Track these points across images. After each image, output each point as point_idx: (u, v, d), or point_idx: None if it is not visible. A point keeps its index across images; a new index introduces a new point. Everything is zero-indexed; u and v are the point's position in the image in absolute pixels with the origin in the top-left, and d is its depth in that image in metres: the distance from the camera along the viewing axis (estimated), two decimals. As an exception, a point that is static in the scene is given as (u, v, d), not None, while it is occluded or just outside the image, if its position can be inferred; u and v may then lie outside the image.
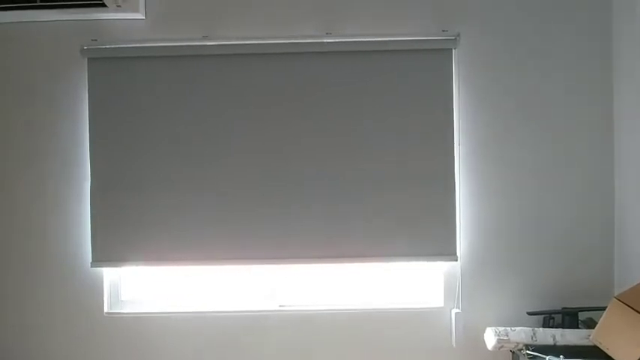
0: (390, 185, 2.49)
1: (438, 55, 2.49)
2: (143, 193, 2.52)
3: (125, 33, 2.54)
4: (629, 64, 2.38)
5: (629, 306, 1.93)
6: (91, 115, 2.53)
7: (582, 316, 2.40)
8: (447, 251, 2.49)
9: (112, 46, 2.51)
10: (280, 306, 2.60)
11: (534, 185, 2.52)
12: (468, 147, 2.52)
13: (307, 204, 2.51)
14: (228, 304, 2.61)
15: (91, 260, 2.54)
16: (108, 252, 2.53)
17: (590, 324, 2.34)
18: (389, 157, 2.50)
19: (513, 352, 2.33)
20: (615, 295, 2.07)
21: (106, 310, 2.59)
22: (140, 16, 2.52)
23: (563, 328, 2.34)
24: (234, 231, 2.51)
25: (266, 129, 2.52)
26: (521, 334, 2.26)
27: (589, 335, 2.13)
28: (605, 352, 1.99)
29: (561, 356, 2.06)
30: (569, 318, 2.37)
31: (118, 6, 2.43)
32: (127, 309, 2.62)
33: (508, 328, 2.29)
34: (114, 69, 2.52)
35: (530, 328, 2.29)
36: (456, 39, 2.47)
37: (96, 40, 2.52)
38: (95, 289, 2.58)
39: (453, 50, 2.49)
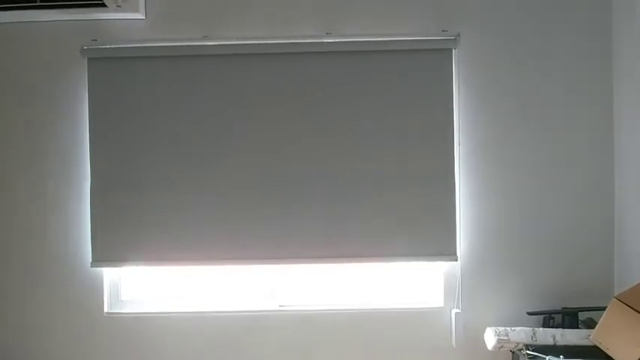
0: (389, 185, 2.49)
1: (437, 55, 2.49)
2: (143, 193, 2.52)
3: (125, 33, 2.54)
4: (629, 64, 2.38)
5: (629, 306, 1.93)
6: (91, 115, 2.53)
7: (582, 316, 2.40)
8: (446, 251, 2.49)
9: (112, 46, 2.51)
10: (280, 306, 2.60)
11: (534, 185, 2.52)
12: (468, 147, 2.52)
13: (307, 204, 2.51)
14: (228, 304, 2.61)
15: (91, 260, 2.54)
16: (108, 252, 2.53)
17: (590, 324, 2.34)
18: (389, 157, 2.50)
19: (513, 352, 2.33)
20: (615, 295, 2.07)
21: (106, 310, 2.59)
22: (140, 16, 2.52)
23: (563, 328, 2.34)
24: (234, 231, 2.51)
25: (266, 129, 2.52)
26: (521, 334, 2.26)
27: (589, 335, 2.13)
28: (605, 352, 1.99)
29: (561, 356, 2.06)
30: (569, 318, 2.37)
31: (118, 6, 2.43)
32: (127, 309, 2.62)
33: (508, 328, 2.29)
34: (114, 69, 2.52)
35: (530, 328, 2.29)
36: (456, 39, 2.47)
37: (96, 40, 2.52)
38: (95, 289, 2.58)
39: (453, 50, 2.49)
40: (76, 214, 2.56)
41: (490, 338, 2.28)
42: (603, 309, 2.05)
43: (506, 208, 2.53)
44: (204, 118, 2.52)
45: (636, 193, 2.34)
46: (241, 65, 2.51)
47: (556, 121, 2.52)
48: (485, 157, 2.53)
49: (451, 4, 2.52)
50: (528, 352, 2.18)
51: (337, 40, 2.48)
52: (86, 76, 2.53)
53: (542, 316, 2.43)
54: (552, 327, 2.37)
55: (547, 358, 2.08)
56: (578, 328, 2.35)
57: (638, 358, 1.83)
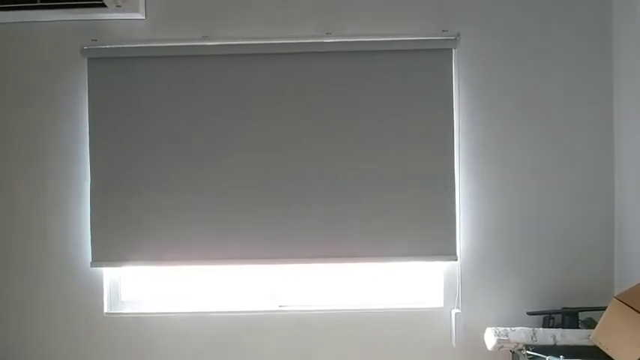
0: (389, 185, 2.49)
1: (437, 55, 2.49)
2: (143, 193, 2.52)
3: (125, 33, 2.54)
4: (629, 64, 2.38)
5: (629, 306, 1.93)
6: (91, 115, 2.53)
7: (582, 316, 2.40)
8: (446, 251, 2.49)
9: (112, 46, 2.51)
10: (280, 306, 2.60)
11: (534, 185, 2.52)
12: (467, 147, 2.52)
13: (307, 204, 2.51)
14: (228, 304, 2.61)
15: (90, 260, 2.54)
16: (108, 252, 2.53)
17: (590, 324, 2.34)
18: (389, 157, 2.50)
19: (513, 352, 2.33)
20: (615, 295, 2.07)
21: (105, 310, 2.59)
22: (140, 16, 2.52)
23: (563, 328, 2.34)
24: (234, 231, 2.51)
25: (266, 129, 2.52)
26: (521, 334, 2.26)
27: (589, 335, 2.13)
28: (605, 352, 1.98)
29: (561, 356, 2.06)
30: (569, 318, 2.37)
31: (118, 6, 2.43)
32: (126, 309, 2.62)
33: (508, 329, 2.29)
34: (114, 69, 2.52)
35: (530, 328, 2.28)
36: (455, 39, 2.47)
37: (96, 40, 2.52)
38: (95, 289, 2.58)
39: (453, 50, 2.49)
40: (76, 214, 2.56)
41: (490, 338, 2.28)
42: (603, 309, 2.05)
43: (506, 208, 2.53)
44: (204, 118, 2.52)
45: (636, 193, 2.34)
46: (241, 65, 2.51)
47: (556, 121, 2.52)
48: (485, 157, 2.53)
49: (451, 4, 2.52)
50: (528, 352, 2.18)
51: (337, 40, 2.48)
52: (86, 76, 2.53)
53: (542, 316, 2.42)
54: (552, 327, 2.37)
55: (547, 358, 2.08)
56: (578, 328, 2.35)
57: (638, 358, 1.83)
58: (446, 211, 2.50)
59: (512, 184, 2.52)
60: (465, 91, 2.52)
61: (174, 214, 2.51)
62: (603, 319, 2.03)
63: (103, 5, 2.42)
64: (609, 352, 1.97)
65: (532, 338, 2.23)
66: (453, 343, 2.50)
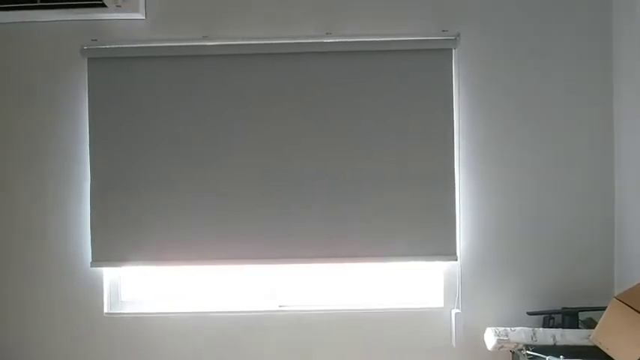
0: (389, 185, 2.49)
1: (437, 55, 2.49)
2: (143, 193, 2.52)
3: (125, 33, 2.54)
4: (629, 64, 2.38)
5: (629, 306, 1.93)
6: (91, 115, 2.53)
7: (582, 316, 2.40)
8: (446, 251, 2.49)
9: (112, 46, 2.51)
10: (280, 306, 2.60)
11: (534, 185, 2.52)
12: (467, 147, 2.52)
13: (307, 204, 2.51)
14: (228, 304, 2.61)
15: (90, 260, 2.54)
16: (108, 252, 2.53)
17: (590, 324, 2.34)
18: (389, 157, 2.50)
19: (513, 353, 2.33)
20: (615, 295, 2.07)
21: (105, 310, 2.59)
22: (140, 16, 2.52)
23: (563, 328, 2.33)
24: (234, 231, 2.51)
25: (266, 129, 2.52)
26: (521, 334, 2.26)
27: (589, 335, 2.13)
28: (605, 352, 1.98)
29: (561, 356, 2.06)
30: (569, 318, 2.37)
31: (117, 6, 2.43)
32: (126, 309, 2.62)
33: (508, 329, 2.29)
34: (114, 69, 2.52)
35: (530, 328, 2.28)
36: (455, 39, 2.47)
37: (96, 40, 2.52)
38: (95, 289, 2.58)
39: (453, 50, 2.49)
40: (76, 214, 2.56)
41: (490, 338, 2.28)
42: (603, 309, 2.05)
43: (506, 208, 2.53)
44: (204, 118, 2.52)
45: (636, 193, 2.34)
46: (241, 65, 2.51)
47: (556, 121, 2.52)
48: (485, 157, 2.53)
49: (451, 4, 2.52)
50: (528, 352, 2.18)
51: (337, 40, 2.48)
52: (86, 76, 2.53)
53: (542, 316, 2.42)
54: (552, 327, 2.37)
55: (547, 358, 2.08)
56: (578, 328, 2.35)
57: (638, 358, 1.83)
58: (446, 211, 2.49)
59: (512, 184, 2.52)
60: (464, 91, 2.52)
61: (174, 214, 2.51)
62: (603, 319, 2.03)
63: (103, 5, 2.42)
64: (609, 352, 1.97)
65: (532, 338, 2.23)
66: (453, 343, 2.50)
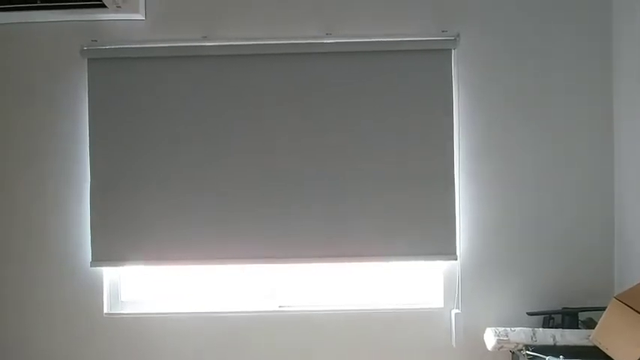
0: (389, 185, 2.49)
1: (437, 56, 2.49)
2: (143, 193, 2.52)
3: (125, 33, 2.54)
4: (629, 64, 2.38)
5: (629, 306, 1.93)
6: (91, 115, 2.54)
7: (582, 316, 2.40)
8: (446, 251, 2.49)
9: (112, 47, 2.51)
10: (280, 306, 2.60)
11: (534, 185, 2.52)
12: (467, 147, 2.52)
13: (307, 204, 2.51)
14: (228, 304, 2.61)
15: (90, 260, 2.54)
16: (107, 252, 2.53)
17: (590, 324, 2.34)
18: (389, 157, 2.50)
19: (513, 353, 2.33)
20: (615, 295, 2.07)
21: (105, 310, 2.59)
22: (140, 16, 2.52)
23: (563, 328, 2.33)
24: (234, 231, 2.51)
25: (266, 129, 2.52)
26: (520, 334, 2.25)
27: (589, 335, 2.13)
28: (604, 352, 1.98)
29: (561, 356, 2.06)
30: (569, 318, 2.37)
31: (117, 7, 2.43)
32: (126, 309, 2.62)
33: (508, 329, 2.29)
34: (114, 69, 2.52)
35: (530, 329, 2.28)
36: (455, 39, 2.47)
37: (96, 40, 2.52)
38: (95, 289, 2.58)
39: (453, 50, 2.49)
40: (76, 214, 2.57)
41: (490, 338, 2.28)
42: (603, 309, 2.05)
43: (506, 208, 2.53)
44: (204, 118, 2.52)
45: (636, 193, 2.34)
46: (241, 66, 2.51)
47: (556, 121, 2.52)
48: (485, 157, 2.53)
49: (451, 4, 2.52)
50: (528, 352, 2.17)
51: (337, 41, 2.49)
52: (86, 77, 2.53)
53: (542, 316, 2.42)
54: (552, 327, 2.37)
55: (547, 358, 2.08)
56: (578, 328, 2.35)
57: (638, 358, 1.83)
58: (446, 211, 2.50)
59: (512, 184, 2.52)
60: (464, 92, 2.52)
61: (174, 214, 2.51)
62: (603, 320, 2.03)
63: (103, 6, 2.42)
64: (609, 352, 1.97)
65: (532, 338, 2.23)
66: (453, 344, 2.50)
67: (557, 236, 2.52)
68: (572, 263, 2.52)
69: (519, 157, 2.52)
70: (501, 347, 2.26)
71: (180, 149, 2.52)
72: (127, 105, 2.53)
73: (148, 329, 2.57)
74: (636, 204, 2.34)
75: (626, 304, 1.94)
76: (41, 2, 2.43)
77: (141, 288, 2.66)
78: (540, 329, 2.29)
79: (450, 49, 2.49)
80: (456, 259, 2.50)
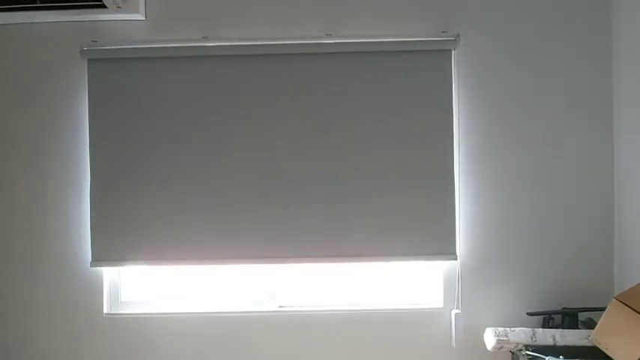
0: (389, 185, 2.50)
1: (437, 56, 2.49)
2: (143, 193, 2.52)
3: (125, 34, 2.54)
4: (629, 64, 2.38)
5: (628, 306, 1.93)
6: (91, 116, 2.54)
7: (582, 316, 2.40)
8: (446, 251, 2.49)
9: (112, 47, 2.51)
10: (280, 306, 2.60)
11: (534, 185, 2.52)
12: (467, 147, 2.52)
13: (307, 204, 2.51)
14: (228, 304, 2.61)
15: (90, 260, 2.54)
16: (107, 252, 2.53)
17: (590, 324, 2.34)
18: (389, 157, 2.50)
19: (513, 353, 2.33)
20: (615, 295, 2.07)
21: (105, 310, 2.59)
22: (140, 17, 2.52)
23: (562, 328, 2.33)
24: (234, 231, 2.51)
25: (266, 129, 2.52)
26: (520, 334, 2.25)
27: (589, 335, 2.13)
28: (604, 353, 1.99)
29: (561, 357, 2.06)
30: (569, 318, 2.37)
31: (117, 7, 2.43)
32: (126, 309, 2.62)
33: (508, 329, 2.29)
34: (114, 70, 2.52)
35: (530, 329, 2.28)
36: (455, 40, 2.47)
37: (96, 41, 2.53)
38: (95, 290, 2.58)
39: (453, 51, 2.50)
40: (76, 214, 2.57)
41: (490, 339, 2.28)
42: (603, 309, 2.05)
43: (505, 207, 2.53)
44: (204, 118, 2.52)
45: (636, 193, 2.34)
46: (241, 66, 2.51)
47: (556, 121, 2.52)
48: (485, 157, 2.53)
49: (451, 4, 2.52)
50: (528, 352, 2.17)
51: (337, 41, 2.49)
52: (86, 77, 2.53)
53: (542, 316, 2.42)
54: (552, 327, 2.37)
55: (547, 358, 2.08)
56: (577, 328, 2.35)
57: (638, 358, 1.83)
58: (446, 211, 2.50)
59: (512, 184, 2.52)
60: (464, 92, 2.52)
61: (174, 214, 2.52)
62: (603, 320, 2.03)
63: (103, 6, 2.42)
64: (609, 353, 1.97)
65: (532, 338, 2.23)
66: (453, 344, 2.50)
67: (556, 236, 2.52)
68: (572, 263, 2.52)
69: (519, 157, 2.52)
70: (501, 347, 2.26)
71: (180, 149, 2.52)
72: (127, 105, 2.53)
73: (148, 329, 2.57)
74: (636, 204, 2.34)
75: (625, 305, 1.94)
76: (41, 2, 2.43)
77: (141, 288, 2.66)
78: (540, 329, 2.29)
79: (450, 50, 2.49)
80: (456, 259, 2.50)
